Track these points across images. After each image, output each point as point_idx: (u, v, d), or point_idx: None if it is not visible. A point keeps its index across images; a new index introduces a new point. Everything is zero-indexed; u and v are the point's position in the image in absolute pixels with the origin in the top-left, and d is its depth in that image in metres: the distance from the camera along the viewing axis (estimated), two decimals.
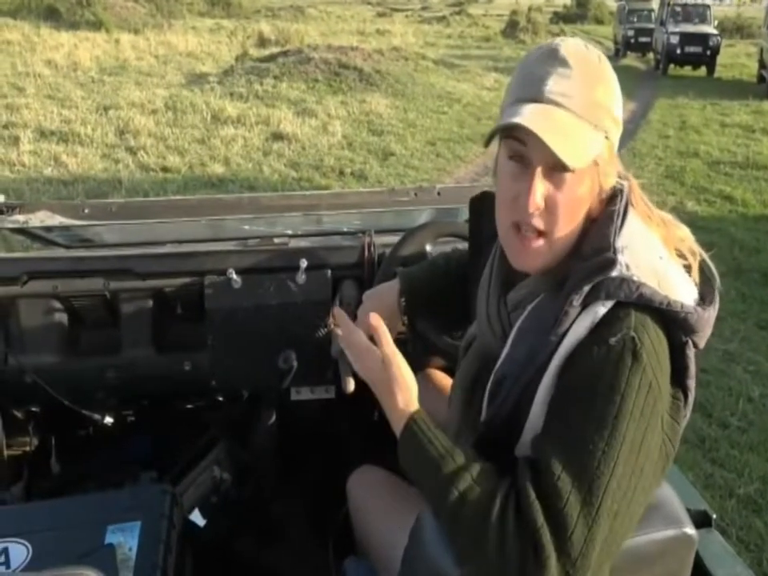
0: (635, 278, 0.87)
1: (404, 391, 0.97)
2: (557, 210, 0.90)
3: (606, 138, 0.91)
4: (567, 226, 0.92)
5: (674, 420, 0.92)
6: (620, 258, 0.88)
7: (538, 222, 0.91)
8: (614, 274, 0.87)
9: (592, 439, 0.82)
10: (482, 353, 1.09)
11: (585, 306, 0.88)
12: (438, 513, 0.90)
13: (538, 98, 0.89)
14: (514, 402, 0.92)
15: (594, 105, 0.90)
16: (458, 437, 1.09)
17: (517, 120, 0.87)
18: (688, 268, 0.95)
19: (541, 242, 0.93)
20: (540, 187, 0.89)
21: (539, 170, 0.89)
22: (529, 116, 0.87)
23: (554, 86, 0.89)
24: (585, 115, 0.89)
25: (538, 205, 0.89)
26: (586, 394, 0.85)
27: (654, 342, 0.87)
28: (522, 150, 0.90)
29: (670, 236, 0.96)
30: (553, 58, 0.90)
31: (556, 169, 0.89)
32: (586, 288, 0.87)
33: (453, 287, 1.36)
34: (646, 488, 0.86)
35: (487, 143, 0.94)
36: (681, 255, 0.95)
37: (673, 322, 0.89)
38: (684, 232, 0.98)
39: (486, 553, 0.81)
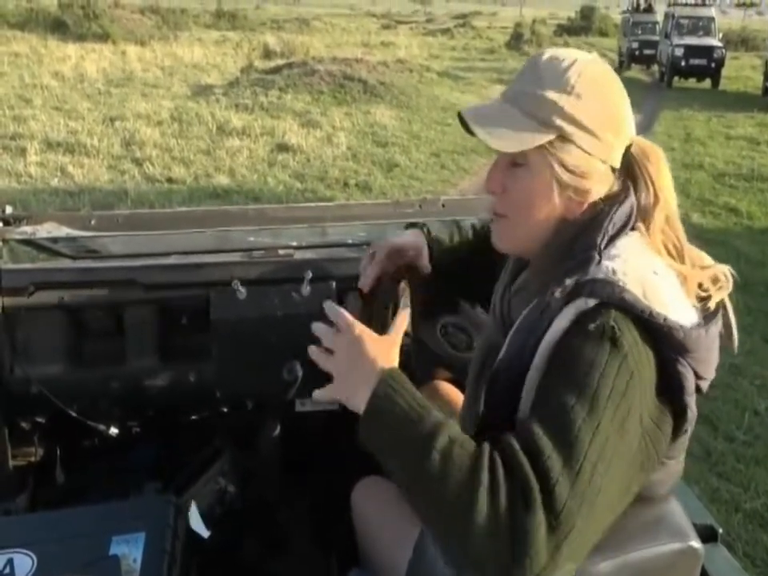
0: (620, 283, 0.89)
1: (380, 345, 0.91)
2: (511, 199, 1.00)
3: (564, 138, 0.94)
4: (524, 212, 0.99)
5: (657, 428, 0.90)
6: (607, 263, 0.91)
7: (498, 206, 1.03)
8: (600, 275, 0.90)
9: (573, 408, 0.83)
10: (486, 344, 1.13)
11: (568, 302, 0.91)
12: (418, 478, 0.82)
13: (502, 95, 1.02)
14: (506, 393, 0.94)
15: (542, 103, 0.95)
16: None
17: (460, 110, 1.00)
18: (704, 299, 0.97)
19: (504, 223, 1.03)
20: (497, 175, 1.01)
21: (499, 161, 1.01)
22: (475, 109, 1.01)
23: (516, 86, 1.00)
24: (531, 111, 0.96)
25: (491, 188, 1.01)
26: (567, 372, 0.87)
27: (638, 342, 0.88)
28: None
29: (692, 275, 0.97)
30: (529, 63, 1.01)
31: (512, 162, 0.99)
32: (568, 282, 0.91)
33: (475, 251, 1.36)
34: (622, 476, 0.85)
35: (468, 132, 1.01)
36: (705, 290, 0.97)
37: (658, 336, 0.89)
38: (717, 270, 1.00)
39: (477, 510, 0.76)
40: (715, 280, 0.98)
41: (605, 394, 0.83)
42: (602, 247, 0.93)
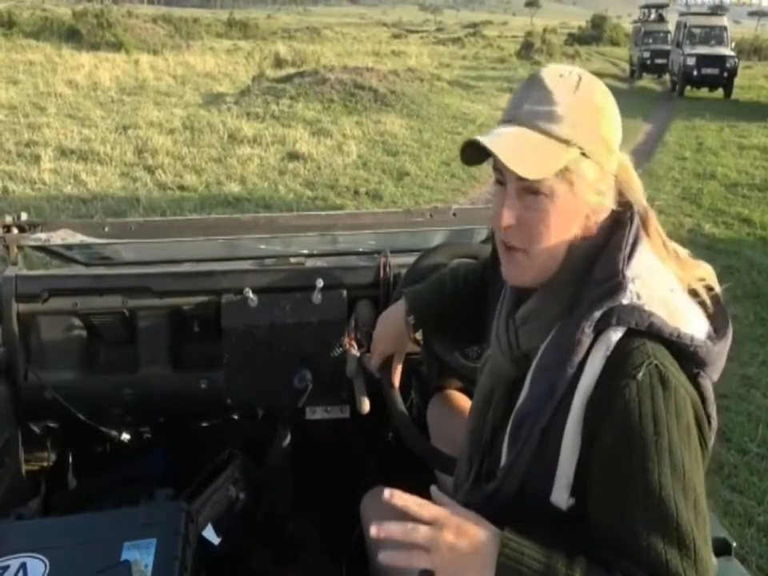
0: (646, 308, 0.88)
1: (479, 527, 0.87)
2: (529, 229, 0.93)
3: (584, 155, 0.91)
4: (544, 242, 0.94)
5: (699, 431, 0.91)
6: (630, 287, 0.89)
7: (513, 240, 0.95)
8: (625, 302, 0.88)
9: (661, 483, 0.82)
10: (493, 371, 1.09)
11: (597, 333, 0.88)
12: None
13: (510, 119, 0.94)
14: (535, 443, 0.91)
15: (561, 121, 0.90)
16: (470, 461, 1.09)
17: (475, 138, 0.93)
18: (701, 304, 0.95)
19: (521, 257, 0.96)
20: (511, 207, 0.93)
21: (511, 190, 0.94)
22: (490, 135, 0.93)
23: (525, 107, 0.93)
24: (551, 132, 0.90)
25: (507, 223, 0.93)
26: (635, 443, 0.84)
27: (673, 364, 0.88)
28: (499, 175, 0.96)
29: (685, 273, 0.96)
30: (533, 82, 0.94)
31: (527, 190, 0.92)
32: (597, 314, 0.88)
33: (461, 301, 1.37)
34: (702, 484, 0.86)
35: (464, 162, 1.00)
36: (693, 292, 0.96)
37: (683, 355, 0.89)
38: (703, 271, 0.99)
39: None
40: (701, 278, 0.98)
41: (675, 440, 0.83)
42: (625, 272, 0.90)
